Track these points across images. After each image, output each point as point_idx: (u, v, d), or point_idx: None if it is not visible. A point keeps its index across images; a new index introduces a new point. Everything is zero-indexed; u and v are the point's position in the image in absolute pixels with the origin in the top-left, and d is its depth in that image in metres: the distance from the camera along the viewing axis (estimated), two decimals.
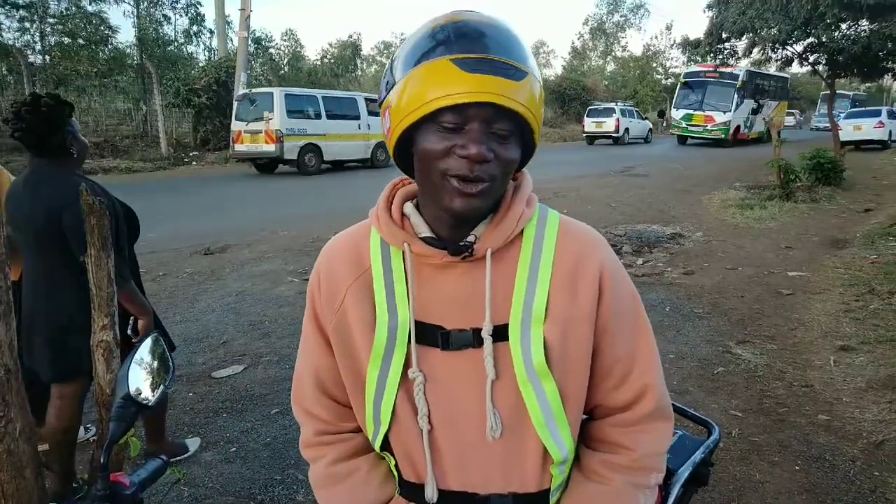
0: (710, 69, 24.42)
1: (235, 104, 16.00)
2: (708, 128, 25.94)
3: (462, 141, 0.84)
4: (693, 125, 26.28)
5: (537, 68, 0.89)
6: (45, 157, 2.36)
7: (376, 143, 17.03)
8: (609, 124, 28.36)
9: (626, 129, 28.99)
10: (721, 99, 25.84)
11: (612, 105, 29.70)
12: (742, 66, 24.07)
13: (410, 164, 0.92)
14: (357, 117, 16.72)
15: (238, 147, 15.61)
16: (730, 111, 25.65)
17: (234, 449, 3.06)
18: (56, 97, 2.36)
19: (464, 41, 0.82)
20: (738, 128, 26.31)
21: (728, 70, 24.06)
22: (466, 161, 0.83)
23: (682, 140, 27.27)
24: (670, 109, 31.17)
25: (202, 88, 19.52)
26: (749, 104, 26.76)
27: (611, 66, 53.36)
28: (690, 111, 26.31)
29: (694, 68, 27.05)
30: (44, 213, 2.27)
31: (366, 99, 17.14)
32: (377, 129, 16.32)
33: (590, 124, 28.95)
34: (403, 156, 0.92)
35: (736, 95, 25.72)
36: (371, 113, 16.89)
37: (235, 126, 15.57)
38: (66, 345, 2.37)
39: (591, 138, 29.30)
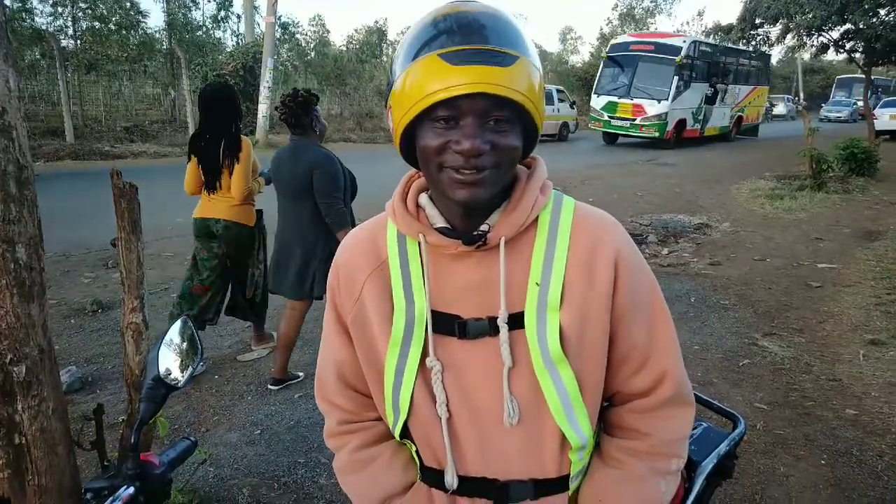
0: (644, 39, 19.04)
1: None
2: (637, 122, 18.55)
3: (456, 136, 0.84)
4: (617, 118, 18.94)
5: (534, 51, 0.88)
6: (299, 133, 3.29)
7: (562, 123, 21.63)
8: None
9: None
10: (656, 81, 18.40)
11: None
12: (691, 35, 19.04)
13: (416, 158, 0.93)
14: (552, 104, 20.90)
15: None
16: (665, 99, 18.11)
17: (258, 431, 3.11)
18: (308, 91, 3.31)
19: (449, 34, 0.82)
20: (681, 122, 19.14)
21: (668, 40, 18.53)
22: (461, 156, 0.84)
23: (611, 139, 20.21)
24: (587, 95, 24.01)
25: (229, 73, 19.65)
26: (699, 89, 19.59)
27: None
28: (614, 98, 18.95)
29: (622, 38, 20.55)
30: (301, 173, 3.20)
31: (556, 90, 21.94)
32: (565, 112, 21.75)
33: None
34: (409, 150, 0.92)
35: (676, 77, 18.20)
36: (560, 100, 21.77)
37: None
38: (308, 270, 3.31)
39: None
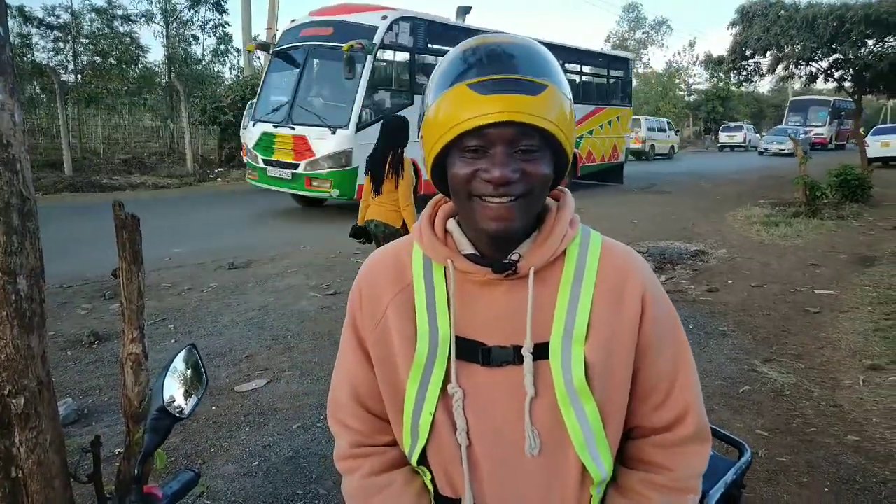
0: (323, 18, 11.05)
1: None
2: (300, 170, 10.25)
3: (486, 164, 0.85)
4: (275, 163, 10.62)
5: (563, 79, 0.89)
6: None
7: (671, 145, 26.89)
8: (634, 139, 26.92)
9: (652, 145, 28.97)
10: (334, 92, 10.91)
11: (638, 118, 27.94)
12: (396, 9, 10.94)
13: (447, 187, 0.94)
14: (665, 131, 25.43)
15: None
16: (346, 125, 10.05)
17: (256, 463, 3.07)
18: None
19: (479, 65, 0.84)
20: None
21: (356, 17, 10.63)
22: (490, 185, 0.85)
23: (307, 201, 11.50)
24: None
25: (228, 106, 19.84)
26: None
27: (633, 83, 53.21)
28: (270, 127, 10.72)
29: (299, 20, 11.65)
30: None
31: (667, 122, 25.94)
32: (672, 138, 26.26)
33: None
34: (441, 179, 0.94)
35: (365, 81, 10.13)
36: (669, 129, 27.60)
37: None
38: None
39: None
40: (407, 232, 4.56)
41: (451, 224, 0.99)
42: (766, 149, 32.56)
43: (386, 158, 4.46)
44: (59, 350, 4.46)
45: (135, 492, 0.98)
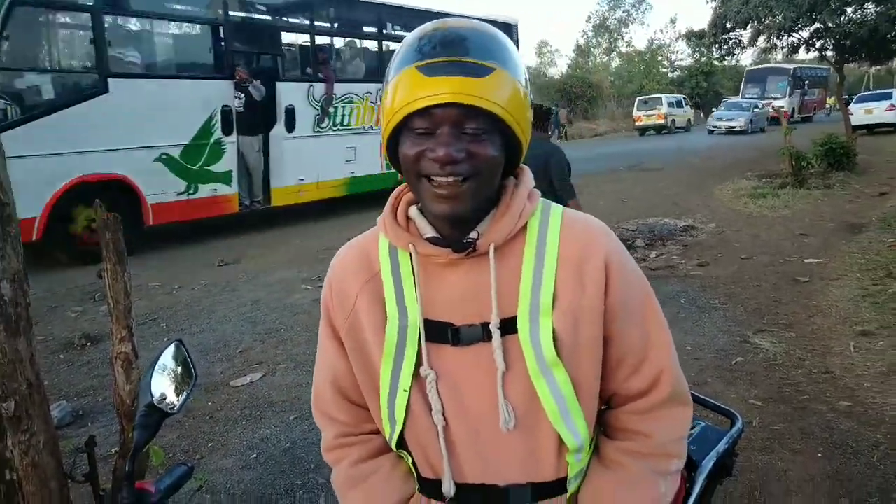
0: None
1: None
2: None
3: (432, 144, 0.86)
4: None
5: (516, 63, 0.90)
6: (535, 131, 4.37)
7: (687, 118, 27.52)
8: (657, 115, 29.99)
9: (672, 120, 30.48)
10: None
11: (659, 96, 31.80)
12: None
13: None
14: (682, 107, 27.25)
15: None
16: None
17: (254, 455, 3.08)
18: (545, 105, 5.06)
19: (430, 49, 0.86)
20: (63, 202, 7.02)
21: None
22: (436, 163, 0.86)
23: None
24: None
25: None
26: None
27: (616, 62, 53.14)
28: None
29: None
30: (539, 157, 4.15)
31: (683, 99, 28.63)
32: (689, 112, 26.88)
33: (641, 116, 30.48)
34: (396, 160, 0.94)
35: None
36: (669, 104, 28.43)
37: None
38: None
39: (642, 130, 30.63)
40: None
41: (413, 211, 0.99)
42: (714, 126, 27.69)
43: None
44: (51, 353, 4.44)
45: (127, 488, 0.97)
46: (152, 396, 1.04)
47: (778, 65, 32.40)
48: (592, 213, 1.06)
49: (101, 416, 3.52)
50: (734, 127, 26.75)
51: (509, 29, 16.24)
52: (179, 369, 1.13)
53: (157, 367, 1.09)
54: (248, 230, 9.08)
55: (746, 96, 31.78)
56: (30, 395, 1.48)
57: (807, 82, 33.58)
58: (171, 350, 1.14)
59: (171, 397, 1.08)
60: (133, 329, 1.85)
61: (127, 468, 0.98)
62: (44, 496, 1.49)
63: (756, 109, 28.33)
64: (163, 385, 1.07)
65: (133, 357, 1.83)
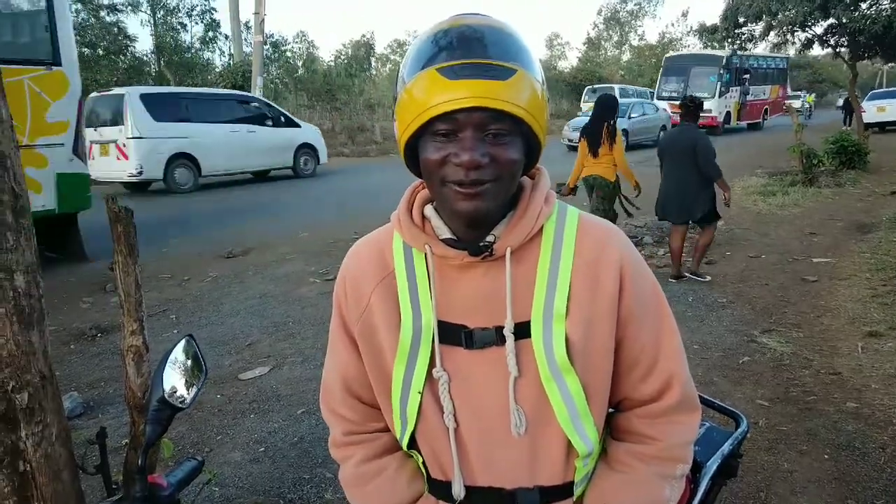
0: None
1: None
2: None
3: (456, 149, 0.85)
4: None
5: (535, 63, 0.89)
6: (688, 121, 5.61)
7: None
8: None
9: None
10: None
11: None
12: None
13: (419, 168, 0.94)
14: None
15: None
16: None
17: (262, 449, 3.10)
18: (697, 98, 5.79)
19: (449, 49, 0.84)
20: None
21: None
22: (461, 168, 0.85)
23: None
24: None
25: None
26: None
27: (627, 56, 52.84)
28: None
29: None
30: (688, 142, 5.42)
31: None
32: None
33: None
34: (414, 161, 0.93)
35: None
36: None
37: None
38: (694, 207, 5.57)
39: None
40: (618, 187, 6.10)
41: (429, 210, 0.99)
42: (570, 140, 18.35)
43: (600, 129, 5.81)
44: (62, 344, 4.48)
45: (139, 481, 0.99)
46: (164, 391, 1.06)
47: (705, 51, 24.75)
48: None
49: (111, 407, 3.56)
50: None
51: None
52: (190, 363, 1.14)
53: (168, 362, 1.10)
54: (255, 222, 9.12)
55: (665, 91, 24.40)
56: (43, 387, 1.50)
57: (748, 75, 25.59)
58: (182, 345, 1.15)
59: (182, 391, 1.09)
60: (144, 322, 1.87)
61: (140, 462, 0.99)
62: (56, 488, 1.51)
63: (658, 112, 21.02)
64: (174, 379, 1.09)
65: (144, 350, 1.84)
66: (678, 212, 5.65)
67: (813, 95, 40.68)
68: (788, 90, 30.98)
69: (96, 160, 11.30)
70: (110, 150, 11.76)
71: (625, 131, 17.05)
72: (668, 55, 28.40)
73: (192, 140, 12.31)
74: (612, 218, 6.17)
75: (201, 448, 3.14)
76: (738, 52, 22.96)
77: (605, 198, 6.10)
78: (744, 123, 25.76)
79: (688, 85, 23.50)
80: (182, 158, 12.27)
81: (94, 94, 12.39)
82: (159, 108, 12.01)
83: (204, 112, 12.84)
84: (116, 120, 11.63)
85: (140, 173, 11.72)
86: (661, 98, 24.14)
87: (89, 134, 10.41)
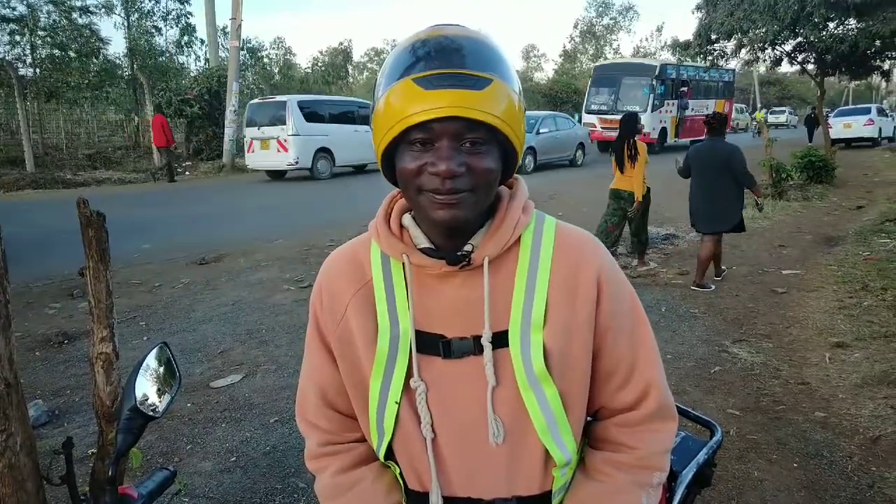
0: None
1: None
2: None
3: (432, 158, 0.85)
4: None
5: (512, 74, 0.89)
6: (716, 135, 5.86)
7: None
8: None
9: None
10: None
11: None
12: None
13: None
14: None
15: None
16: None
17: (233, 459, 3.05)
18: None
19: (426, 59, 0.84)
20: None
21: None
22: (438, 178, 0.85)
23: None
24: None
25: (194, 98, 19.52)
26: None
27: None
28: None
29: None
30: (721, 156, 5.68)
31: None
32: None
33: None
34: (391, 171, 0.93)
35: None
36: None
37: None
38: (725, 218, 5.82)
39: None
40: (648, 200, 6.46)
41: (407, 219, 0.99)
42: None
43: (623, 146, 6.16)
44: (27, 350, 4.37)
45: (110, 493, 0.97)
46: (136, 399, 1.03)
47: (637, 60, 23.37)
48: (577, 221, 1.06)
49: (77, 415, 3.47)
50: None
51: None
52: (163, 371, 1.12)
53: (140, 370, 1.08)
54: (230, 228, 9.02)
55: (593, 106, 22.17)
56: (7, 394, 1.46)
57: (686, 88, 23.22)
58: (155, 352, 1.13)
59: (154, 400, 1.07)
60: (114, 329, 1.83)
61: (110, 473, 0.97)
62: (20, 498, 1.46)
63: (573, 127, 19.15)
64: (146, 387, 1.06)
65: (114, 358, 1.80)
66: (707, 221, 5.87)
67: (764, 111, 37.29)
68: (732, 105, 28.32)
69: (256, 153, 15.70)
70: (271, 144, 15.34)
71: (531, 149, 16.46)
72: (597, 64, 26.11)
73: (329, 138, 15.89)
74: (643, 231, 6.60)
75: (171, 458, 3.07)
76: (676, 63, 22.20)
77: (635, 211, 6.39)
78: (685, 140, 22.66)
79: (618, 97, 21.47)
80: (323, 152, 15.76)
81: (255, 101, 16.43)
82: (308, 111, 15.69)
83: (336, 115, 16.53)
84: (277, 121, 15.19)
85: (297, 162, 15.24)
86: (589, 112, 22.08)
87: (251, 132, 15.74)
